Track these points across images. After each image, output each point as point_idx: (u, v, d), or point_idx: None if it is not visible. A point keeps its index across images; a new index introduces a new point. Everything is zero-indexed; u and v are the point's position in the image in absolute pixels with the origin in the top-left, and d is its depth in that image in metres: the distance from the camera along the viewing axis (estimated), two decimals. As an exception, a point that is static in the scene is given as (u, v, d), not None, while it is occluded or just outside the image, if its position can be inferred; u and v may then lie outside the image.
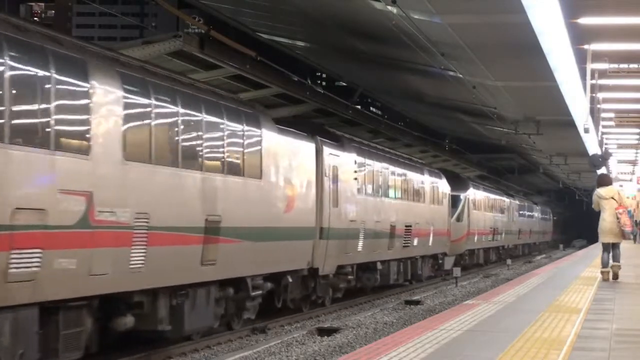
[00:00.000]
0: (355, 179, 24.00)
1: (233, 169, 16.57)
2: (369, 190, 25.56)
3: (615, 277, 19.00)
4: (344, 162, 23.11)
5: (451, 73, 26.27)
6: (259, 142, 17.81)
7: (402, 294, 29.48)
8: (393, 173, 28.26)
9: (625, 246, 43.67)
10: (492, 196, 50.90)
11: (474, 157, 52.64)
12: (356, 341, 17.04)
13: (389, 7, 18.85)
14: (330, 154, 22.16)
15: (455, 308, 14.51)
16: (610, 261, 19.00)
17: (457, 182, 41.13)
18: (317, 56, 30.30)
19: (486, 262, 49.52)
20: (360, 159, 24.72)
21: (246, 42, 23.74)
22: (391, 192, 27.90)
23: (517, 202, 62.30)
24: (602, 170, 42.84)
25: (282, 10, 23.81)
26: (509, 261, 46.42)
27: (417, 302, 25.04)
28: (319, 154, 21.44)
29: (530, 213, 69.76)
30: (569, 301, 14.79)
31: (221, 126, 16.23)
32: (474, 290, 29.71)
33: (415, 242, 30.33)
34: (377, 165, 26.39)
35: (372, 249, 25.46)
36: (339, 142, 23.45)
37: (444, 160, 47.14)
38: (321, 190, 21.43)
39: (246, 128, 17.20)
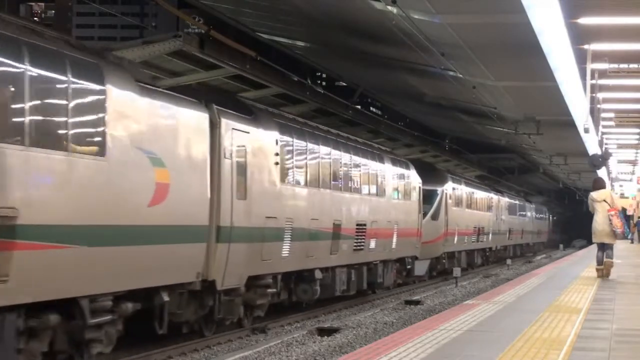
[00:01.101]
0: (277, 164, 18.80)
1: (46, 140, 11.55)
2: (300, 180, 20.51)
3: (607, 274, 20.04)
4: (258, 141, 18.04)
5: (451, 73, 26.27)
6: (101, 105, 12.79)
7: (402, 294, 29.47)
8: (339, 160, 23.00)
9: (624, 247, 43.76)
10: (477, 192, 45.56)
11: (474, 157, 52.63)
12: (356, 341, 17.05)
13: (389, 7, 18.84)
14: (235, 129, 16.99)
15: (455, 308, 14.51)
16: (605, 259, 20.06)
17: (432, 175, 36.12)
18: (317, 56, 30.28)
19: (470, 266, 44.57)
20: (285, 139, 19.67)
21: (246, 42, 23.74)
22: (336, 183, 22.68)
23: (507, 199, 57.21)
24: (602, 173, 42.96)
25: (282, 10, 23.81)
26: (508, 261, 46.39)
27: (417, 302, 25.04)
28: (215, 127, 16.25)
29: (522, 211, 64.93)
30: (569, 301, 14.79)
31: (18, 76, 11.15)
32: (474, 290, 29.71)
33: (373, 244, 25.37)
34: (314, 149, 21.34)
35: (306, 253, 20.48)
36: (251, 116, 18.39)
37: (445, 160, 47.12)
38: (219, 176, 16.23)
39: (74, 82, 12.18)
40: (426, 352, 9.19)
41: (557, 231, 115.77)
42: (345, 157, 23.53)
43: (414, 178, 30.71)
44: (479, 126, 41.48)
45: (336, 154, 22.86)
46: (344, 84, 35.31)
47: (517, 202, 62.18)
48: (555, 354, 9.07)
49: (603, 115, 29.46)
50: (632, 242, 63.45)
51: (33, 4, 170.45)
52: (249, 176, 17.50)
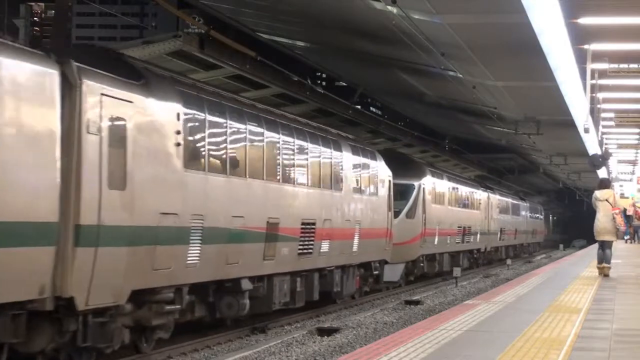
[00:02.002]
0: (179, 144, 14.47)
1: None
2: (217, 167, 16.14)
3: (606, 275, 20.76)
4: (147, 114, 13.89)
5: (451, 73, 26.27)
6: None
7: (402, 294, 29.46)
8: (277, 143, 18.72)
9: (624, 246, 43.69)
10: (463, 188, 40.83)
11: (474, 157, 52.66)
12: (356, 341, 17.04)
13: (389, 7, 18.85)
14: (108, 95, 12.94)
15: (455, 308, 14.51)
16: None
17: (408, 167, 32.03)
18: (317, 56, 30.28)
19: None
20: (193, 114, 15.32)
21: (246, 42, 23.75)
22: (272, 173, 18.44)
23: (498, 196, 52.44)
24: (602, 173, 43.00)
25: (282, 10, 23.80)
26: (508, 261, 46.35)
27: (417, 302, 25.02)
28: (73, 91, 12.23)
29: (516, 210, 60.39)
30: (569, 301, 14.79)
31: None
32: (474, 290, 29.71)
33: (325, 247, 21.23)
34: (239, 128, 16.95)
35: (226, 259, 16.19)
36: (140, 81, 14.09)
37: (444, 160, 47.16)
38: (79, 158, 12.28)
39: None
40: (426, 352, 9.18)
41: (557, 231, 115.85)
42: (286, 141, 19.14)
43: (382, 170, 26.21)
44: (479, 126, 41.50)
45: (273, 136, 18.46)
46: (344, 84, 35.32)
47: (509, 199, 57.67)
48: (555, 354, 9.07)
49: (603, 115, 29.45)
50: (630, 242, 63.52)
51: (33, 4, 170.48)
52: (130, 159, 13.34)
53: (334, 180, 21.94)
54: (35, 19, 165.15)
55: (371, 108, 41.09)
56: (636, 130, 33.95)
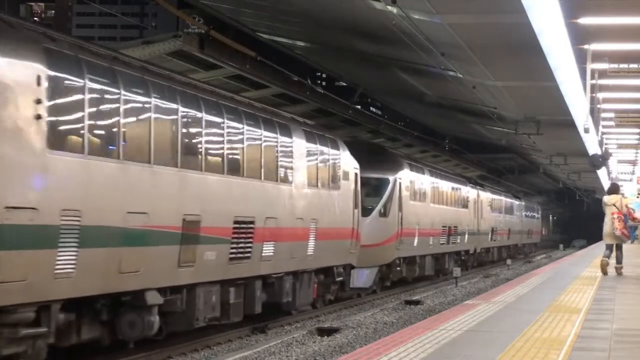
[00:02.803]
0: (39, 117, 11.23)
1: None
2: (102, 148, 12.77)
3: (611, 272, 21.52)
4: None
5: (451, 73, 26.27)
6: None
7: (402, 294, 29.46)
8: (198, 123, 15.24)
9: (624, 247, 43.72)
10: (447, 184, 37.38)
11: (474, 157, 52.66)
12: (356, 341, 17.05)
13: (389, 7, 18.85)
14: None
15: (455, 308, 14.52)
16: (613, 261, 21.56)
17: (381, 160, 28.83)
18: (317, 56, 30.27)
19: (439, 273, 36.63)
20: (64, 79, 11.99)
21: (246, 42, 23.74)
22: (190, 159, 14.98)
23: (490, 194, 49.33)
24: (602, 173, 43.06)
25: (282, 10, 23.80)
26: (509, 261, 46.33)
27: (417, 302, 25.03)
28: None
29: (509, 209, 56.86)
30: (569, 301, 14.80)
31: None
32: (474, 290, 29.71)
33: (269, 250, 17.97)
34: (137, 101, 13.56)
35: (119, 267, 12.97)
36: None
37: (445, 160, 47.14)
38: None
39: None
40: (426, 352, 9.19)
41: (557, 231, 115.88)
42: (213, 122, 15.73)
43: (346, 161, 22.88)
44: (479, 126, 41.49)
45: (191, 113, 15.07)
46: (344, 84, 35.31)
47: (502, 197, 54.29)
48: (555, 354, 9.07)
49: (603, 115, 29.44)
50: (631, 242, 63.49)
51: (33, 4, 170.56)
52: None
53: (281, 171, 18.55)
54: (35, 19, 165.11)
55: (371, 108, 41.05)
56: (636, 130, 33.94)
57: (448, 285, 32.65)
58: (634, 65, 21.09)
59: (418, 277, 32.69)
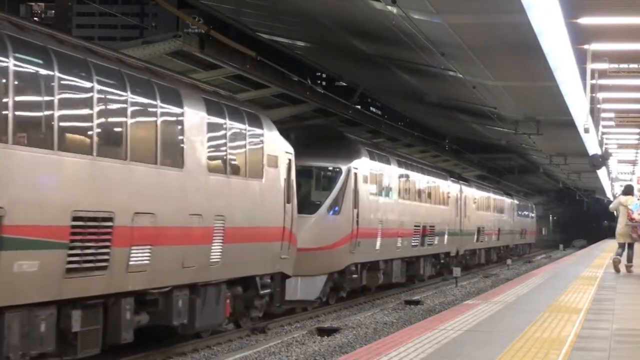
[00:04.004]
0: None
1: None
2: None
3: (622, 271, 22.21)
4: None
5: (451, 73, 26.27)
6: None
7: (402, 294, 29.44)
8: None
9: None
10: (421, 177, 32.44)
11: (474, 157, 52.68)
12: (356, 341, 17.05)
13: (389, 7, 18.85)
14: None
15: (455, 308, 14.52)
16: (624, 259, 22.24)
17: (333, 145, 24.30)
18: (317, 56, 30.28)
19: (415, 278, 32.70)
20: None
21: (246, 42, 23.76)
22: None
23: (475, 190, 44.51)
24: (602, 173, 43.12)
25: (282, 10, 23.81)
26: (509, 261, 46.27)
27: (417, 302, 25.02)
28: None
29: (499, 207, 51.85)
30: (569, 301, 14.80)
31: None
32: (474, 290, 29.71)
33: (143, 256, 13.46)
34: None
35: None
36: None
37: (444, 160, 47.14)
38: None
39: None
40: (426, 352, 9.19)
41: (557, 231, 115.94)
42: (22, 72, 11.16)
43: (273, 144, 18.41)
44: (479, 126, 41.50)
45: None
46: (344, 84, 35.33)
47: (490, 194, 49.43)
48: (555, 354, 9.07)
49: (603, 115, 29.42)
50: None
51: (33, 4, 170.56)
52: None
53: (164, 151, 14.06)
54: (35, 19, 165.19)
55: (371, 108, 41.08)
56: (636, 130, 33.91)
57: (448, 285, 32.64)
58: (634, 65, 21.08)
59: (385, 285, 28.47)
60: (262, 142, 17.79)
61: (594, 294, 16.18)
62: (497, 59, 24.20)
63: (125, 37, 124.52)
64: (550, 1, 15.24)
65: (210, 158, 15.55)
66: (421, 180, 32.37)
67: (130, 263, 13.11)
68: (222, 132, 16.17)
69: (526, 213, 65.75)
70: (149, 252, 13.54)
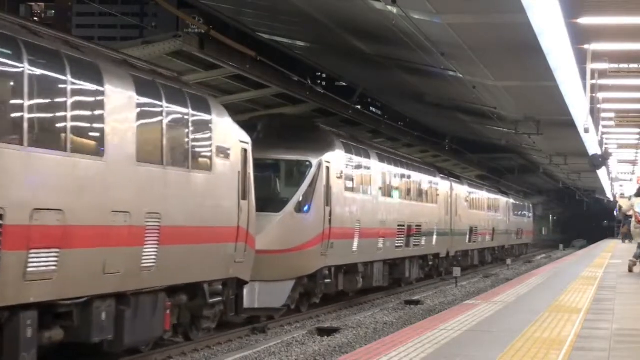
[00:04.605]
0: None
1: None
2: None
3: (630, 270, 22.59)
4: None
5: (451, 73, 26.27)
6: None
7: (402, 294, 29.44)
8: None
9: (624, 247, 43.99)
10: (405, 172, 29.95)
11: (474, 157, 52.70)
12: (356, 341, 17.05)
13: (389, 7, 18.86)
14: None
15: (455, 308, 14.53)
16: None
17: (302, 137, 22.12)
18: (317, 56, 30.29)
19: (399, 282, 30.49)
20: None
21: (246, 42, 23.76)
22: None
23: (467, 187, 42.05)
24: (602, 173, 43.24)
25: (282, 10, 23.81)
26: (508, 261, 46.23)
27: (417, 302, 25.02)
28: None
29: (493, 205, 49.62)
30: (569, 301, 14.80)
31: None
32: (474, 290, 29.71)
33: (41, 261, 11.13)
34: None
35: None
36: None
37: (444, 160, 47.13)
38: None
39: None
40: (426, 352, 9.19)
41: (557, 231, 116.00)
42: None
43: (225, 132, 16.11)
44: (479, 126, 41.50)
45: None
46: (344, 84, 35.32)
47: (484, 192, 47.22)
48: (555, 354, 9.07)
49: (603, 115, 29.44)
50: (625, 242, 63.66)
51: (33, 4, 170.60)
52: None
53: (75, 135, 11.87)
54: (35, 19, 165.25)
55: (371, 108, 41.05)
56: (636, 130, 33.94)
57: (448, 285, 32.64)
58: (634, 65, 21.09)
59: (365, 289, 26.28)
60: (210, 129, 15.45)
61: (594, 294, 16.18)
62: (497, 59, 24.20)
63: (125, 37, 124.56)
64: (550, 1, 15.25)
65: (141, 146, 13.11)
66: (406, 176, 30.07)
67: (29, 270, 10.74)
68: (157, 116, 13.83)
69: (523, 212, 63.61)
70: (55, 257, 11.23)
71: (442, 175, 36.15)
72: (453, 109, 36.66)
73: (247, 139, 17.14)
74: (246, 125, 18.68)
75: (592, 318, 12.31)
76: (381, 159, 27.06)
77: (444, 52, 22.60)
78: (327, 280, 22.38)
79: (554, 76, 22.85)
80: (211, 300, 15.74)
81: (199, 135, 15.10)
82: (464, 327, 11.27)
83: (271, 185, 21.14)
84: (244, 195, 16.68)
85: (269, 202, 20.03)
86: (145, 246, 13.25)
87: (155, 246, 13.49)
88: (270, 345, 16.25)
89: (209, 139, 15.46)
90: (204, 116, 15.32)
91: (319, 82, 32.95)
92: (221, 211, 15.86)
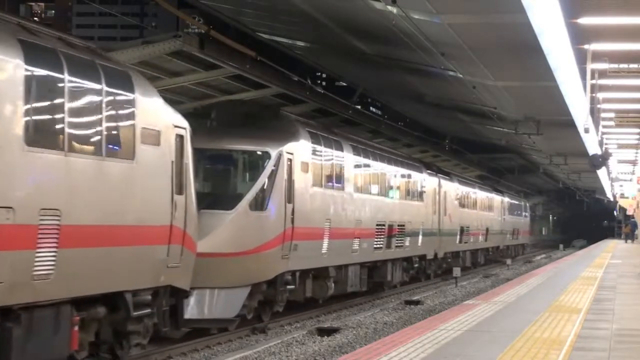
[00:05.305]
0: None
1: None
2: None
3: None
4: None
5: (451, 73, 26.28)
6: None
7: (402, 294, 29.44)
8: None
9: (624, 246, 44.12)
10: (384, 167, 27.16)
11: (474, 157, 52.73)
12: (356, 341, 17.05)
13: (389, 7, 18.86)
14: None
15: (455, 308, 14.53)
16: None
17: (261, 125, 19.66)
18: (317, 56, 30.30)
19: (382, 286, 28.16)
20: None
21: (246, 42, 23.77)
22: None
23: (457, 184, 39.43)
24: (602, 173, 43.25)
25: (282, 10, 23.82)
26: (508, 261, 46.18)
27: (417, 302, 25.02)
28: None
29: (487, 204, 47.52)
30: (569, 301, 14.81)
31: None
32: (474, 290, 29.71)
33: None
34: None
35: None
36: None
37: (444, 160, 47.14)
38: None
39: None
40: (426, 352, 9.19)
41: (557, 231, 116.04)
42: None
43: (152, 113, 13.52)
44: (479, 126, 41.52)
45: None
46: (344, 84, 35.33)
47: (476, 190, 44.62)
48: (555, 354, 9.07)
49: (603, 115, 29.47)
50: (628, 242, 63.78)
51: (33, 3, 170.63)
52: None
53: None
54: (35, 19, 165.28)
55: (371, 108, 41.09)
56: (636, 130, 33.97)
57: (448, 285, 32.65)
58: (634, 65, 21.11)
59: (340, 295, 23.90)
60: (132, 110, 12.85)
61: (594, 294, 16.18)
62: (497, 59, 24.21)
63: (125, 37, 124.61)
64: (550, 1, 15.25)
65: (30, 127, 10.68)
66: (387, 171, 27.41)
67: None
68: (56, 92, 11.32)
69: (519, 212, 61.35)
70: None
71: (429, 171, 33.74)
72: (453, 109, 36.67)
73: (184, 123, 14.49)
74: (200, 113, 17.45)
75: (592, 318, 12.31)
76: (356, 151, 24.38)
77: (444, 52, 22.61)
78: (291, 287, 19.82)
79: (554, 76, 22.86)
80: (136, 313, 12.98)
81: (116, 117, 12.46)
82: (464, 327, 11.27)
83: (224, 179, 18.92)
84: (179, 189, 14.08)
85: (220, 198, 18.08)
86: (39, 250, 10.74)
87: (54, 250, 11.00)
88: (270, 345, 16.25)
89: (131, 122, 12.82)
90: (125, 94, 12.70)
91: (319, 82, 33.01)
92: (148, 208, 13.20)
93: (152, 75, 20.96)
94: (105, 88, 12.13)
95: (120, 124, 12.59)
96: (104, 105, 12.07)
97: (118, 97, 12.49)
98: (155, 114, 13.62)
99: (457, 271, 32.53)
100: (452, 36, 21.09)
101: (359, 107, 34.57)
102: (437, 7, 19.02)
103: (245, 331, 18.39)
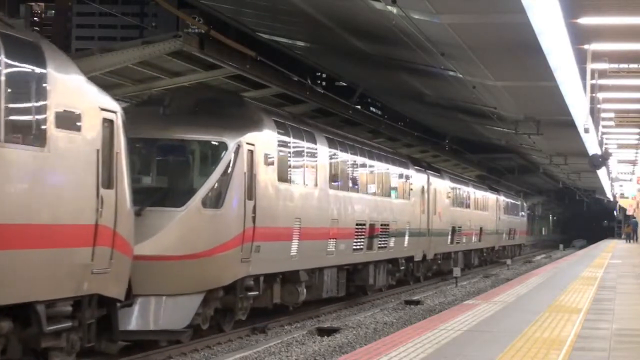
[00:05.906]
0: None
1: None
2: None
3: None
4: None
5: (451, 73, 26.28)
6: None
7: (402, 294, 29.44)
8: None
9: (624, 246, 44.15)
10: (365, 161, 25.11)
11: (474, 157, 52.74)
12: (356, 341, 17.05)
13: (389, 7, 18.86)
14: None
15: (455, 308, 14.53)
16: None
17: (219, 113, 17.49)
18: (317, 56, 30.31)
19: (364, 290, 26.23)
20: None
21: (246, 42, 23.77)
22: None
23: (448, 182, 37.44)
24: (602, 173, 43.21)
25: (282, 10, 23.82)
26: (508, 261, 46.16)
27: (417, 302, 25.02)
28: None
29: (481, 203, 45.56)
30: (569, 301, 14.81)
31: None
32: (474, 290, 29.72)
33: None
34: None
35: None
36: None
37: (444, 160, 47.15)
38: None
39: None
40: (426, 352, 9.19)
41: (557, 231, 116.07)
42: None
43: (70, 93, 11.47)
44: (479, 126, 41.52)
45: None
46: (344, 84, 35.33)
47: (470, 188, 42.73)
48: (555, 354, 9.07)
49: (603, 115, 29.48)
50: (628, 242, 63.83)
51: (33, 4, 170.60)
52: None
53: None
54: (35, 19, 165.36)
55: (371, 108, 41.09)
56: (636, 130, 33.99)
57: (448, 285, 32.65)
58: (634, 65, 21.13)
59: (313, 300, 21.92)
60: (44, 88, 10.83)
61: (594, 294, 16.19)
62: (497, 59, 24.22)
63: (125, 37, 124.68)
64: (550, 1, 15.26)
65: None
66: (367, 166, 25.34)
67: None
68: None
69: (515, 211, 59.05)
70: None
71: (417, 167, 31.48)
72: (453, 109, 36.67)
73: (115, 106, 12.53)
74: (153, 99, 16.01)
75: (592, 318, 12.32)
76: (332, 144, 22.30)
77: (444, 52, 22.61)
78: (253, 293, 17.82)
79: (554, 76, 22.87)
80: (51, 327, 10.91)
81: (21, 96, 10.52)
82: (464, 327, 11.27)
83: (174, 173, 16.78)
84: (108, 182, 12.11)
85: (170, 194, 16.21)
86: None
87: None
88: (270, 345, 16.25)
89: (43, 102, 10.79)
90: (33, 69, 10.68)
91: (318, 82, 33.00)
92: (64, 203, 11.12)
93: (152, 75, 20.99)
94: (5, 60, 10.08)
95: (27, 104, 10.58)
96: (3, 82, 10.01)
97: (22, 72, 10.51)
98: (76, 94, 11.47)
99: (457, 271, 32.53)
100: (452, 36, 21.09)
101: (359, 107, 34.57)
102: (437, 7, 19.02)
103: (245, 331, 18.39)
